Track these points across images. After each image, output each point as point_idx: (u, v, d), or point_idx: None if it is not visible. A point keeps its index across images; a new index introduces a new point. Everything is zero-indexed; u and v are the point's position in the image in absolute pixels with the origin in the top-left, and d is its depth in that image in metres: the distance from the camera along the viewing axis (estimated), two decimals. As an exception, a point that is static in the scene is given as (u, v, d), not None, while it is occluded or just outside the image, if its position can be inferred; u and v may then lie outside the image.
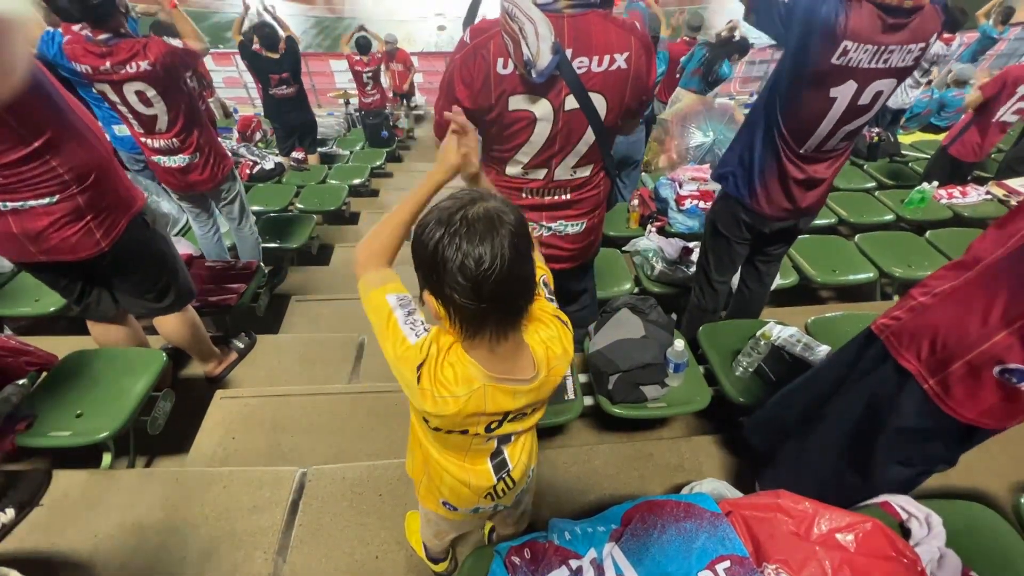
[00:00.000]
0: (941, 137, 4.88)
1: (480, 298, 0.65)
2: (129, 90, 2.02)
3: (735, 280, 2.20)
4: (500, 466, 0.92)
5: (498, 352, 0.74)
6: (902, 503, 1.15)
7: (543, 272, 0.91)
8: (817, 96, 1.44)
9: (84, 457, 1.65)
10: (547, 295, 0.88)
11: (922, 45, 1.36)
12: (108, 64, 1.93)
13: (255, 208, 3.41)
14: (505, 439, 0.90)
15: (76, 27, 1.89)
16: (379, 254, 0.84)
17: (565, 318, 0.86)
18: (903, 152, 4.68)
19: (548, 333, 0.81)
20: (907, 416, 1.07)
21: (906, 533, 1.12)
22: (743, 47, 4.13)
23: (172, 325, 1.90)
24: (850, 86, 1.40)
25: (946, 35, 4.41)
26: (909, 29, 1.32)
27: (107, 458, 1.66)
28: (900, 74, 1.41)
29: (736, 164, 1.74)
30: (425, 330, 0.75)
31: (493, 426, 0.82)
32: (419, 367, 0.73)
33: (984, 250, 0.97)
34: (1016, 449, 1.63)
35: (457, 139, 0.94)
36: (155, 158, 2.28)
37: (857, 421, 1.19)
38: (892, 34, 1.31)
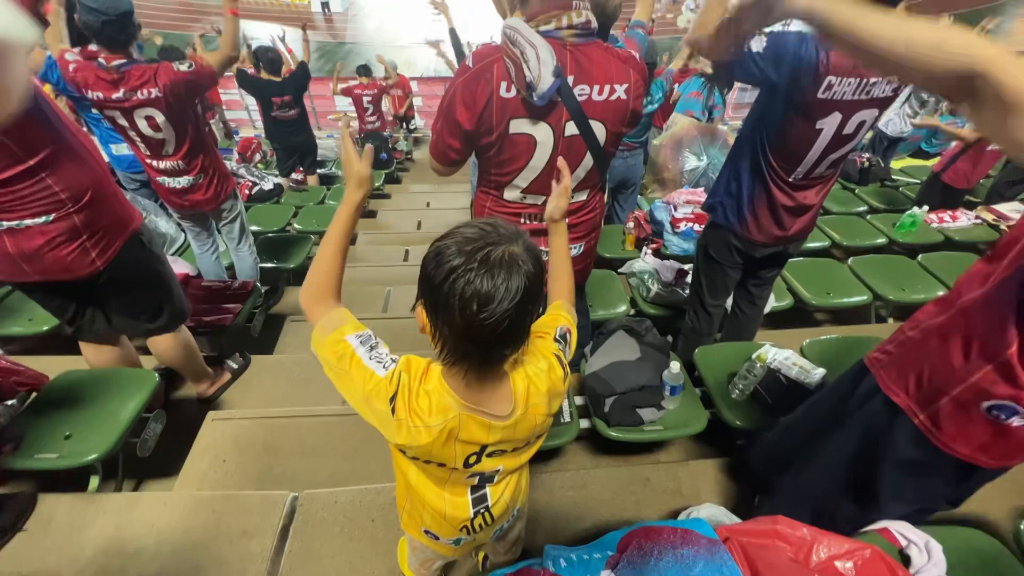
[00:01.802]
0: (930, 163, 4.98)
1: (469, 339, 0.65)
2: (139, 115, 2.03)
3: (729, 302, 2.21)
4: (479, 500, 0.89)
5: (473, 385, 0.73)
6: (901, 530, 1.14)
7: (566, 324, 0.89)
8: (804, 128, 1.48)
9: (71, 479, 1.62)
10: (556, 336, 0.86)
11: None
12: (121, 91, 1.94)
13: (253, 228, 3.42)
14: (489, 478, 0.87)
15: (73, 52, 1.90)
16: (323, 294, 0.81)
17: (564, 358, 0.84)
18: (893, 177, 4.77)
19: (536, 367, 0.79)
20: (901, 449, 1.06)
21: (906, 560, 1.10)
22: (729, 81, 4.24)
23: (165, 345, 1.89)
24: (835, 117, 1.44)
25: None
26: None
27: (94, 481, 1.63)
28: (882, 104, 1.45)
29: (724, 194, 1.76)
30: (393, 361, 0.74)
31: (472, 460, 0.80)
32: (392, 398, 0.71)
33: (966, 286, 0.98)
34: (1015, 475, 1.62)
35: (353, 148, 0.87)
36: (159, 179, 2.29)
37: (853, 454, 1.19)
38: None
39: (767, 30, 1.43)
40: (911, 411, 1.03)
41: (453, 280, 0.62)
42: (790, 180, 1.61)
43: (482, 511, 0.90)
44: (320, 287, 0.81)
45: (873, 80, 1.37)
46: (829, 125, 1.45)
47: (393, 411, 0.71)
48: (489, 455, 0.80)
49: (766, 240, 1.75)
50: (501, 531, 1.03)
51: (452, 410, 0.72)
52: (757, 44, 1.40)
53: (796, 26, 1.29)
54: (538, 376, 0.79)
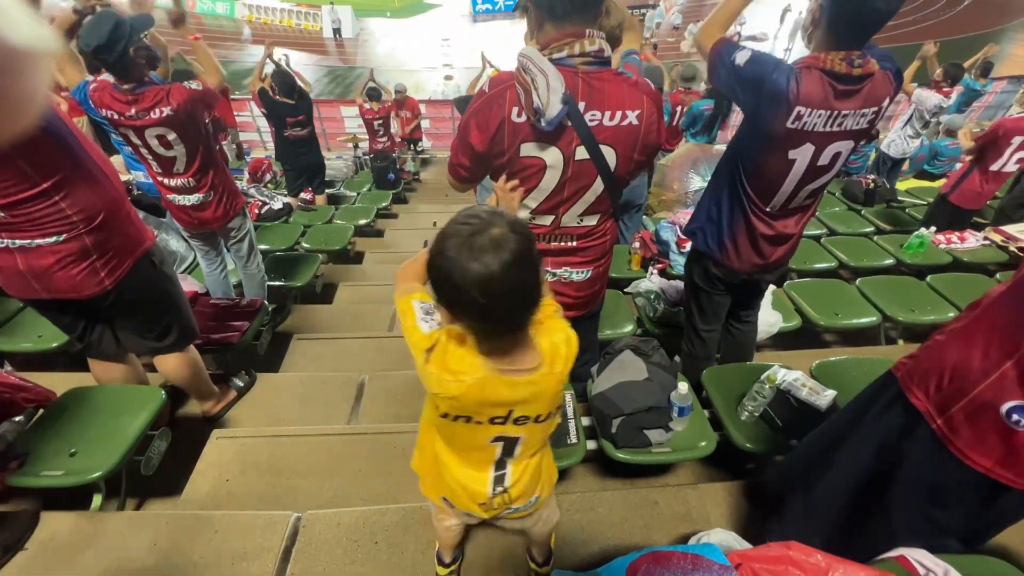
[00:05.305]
0: (936, 184, 5.02)
1: (489, 318, 0.76)
2: (151, 134, 2.09)
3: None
4: (498, 480, 0.98)
5: (500, 353, 0.82)
6: (919, 557, 1.10)
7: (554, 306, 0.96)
8: (776, 157, 1.47)
9: (74, 497, 1.61)
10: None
11: (875, 109, 1.39)
12: (133, 111, 2.01)
13: (261, 247, 3.46)
14: (510, 452, 0.95)
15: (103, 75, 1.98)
16: (413, 276, 0.98)
17: (569, 327, 0.92)
18: (899, 198, 4.78)
19: (556, 337, 0.89)
20: (919, 463, 1.03)
21: (925, 590, 1.07)
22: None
23: (172, 363, 1.90)
24: (808, 148, 1.43)
25: (945, 88, 4.76)
26: (861, 96, 1.35)
27: (97, 499, 1.62)
28: (857, 136, 1.44)
29: (705, 220, 1.77)
30: (438, 324, 0.87)
31: (498, 419, 0.87)
32: (428, 351, 0.83)
33: (994, 289, 0.98)
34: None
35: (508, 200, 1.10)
36: (170, 196, 2.34)
37: (868, 468, 1.16)
38: (844, 100, 1.34)
39: (753, 47, 1.44)
40: (929, 415, 1.00)
41: (452, 275, 0.72)
42: (767, 209, 1.61)
43: (500, 492, 0.99)
44: (411, 272, 0.98)
45: (844, 112, 1.36)
46: (803, 156, 1.45)
47: (427, 360, 0.83)
48: (516, 421, 0.88)
49: (746, 268, 1.75)
50: (515, 511, 1.07)
51: (481, 370, 0.82)
52: (741, 57, 1.41)
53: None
54: (559, 342, 0.88)
